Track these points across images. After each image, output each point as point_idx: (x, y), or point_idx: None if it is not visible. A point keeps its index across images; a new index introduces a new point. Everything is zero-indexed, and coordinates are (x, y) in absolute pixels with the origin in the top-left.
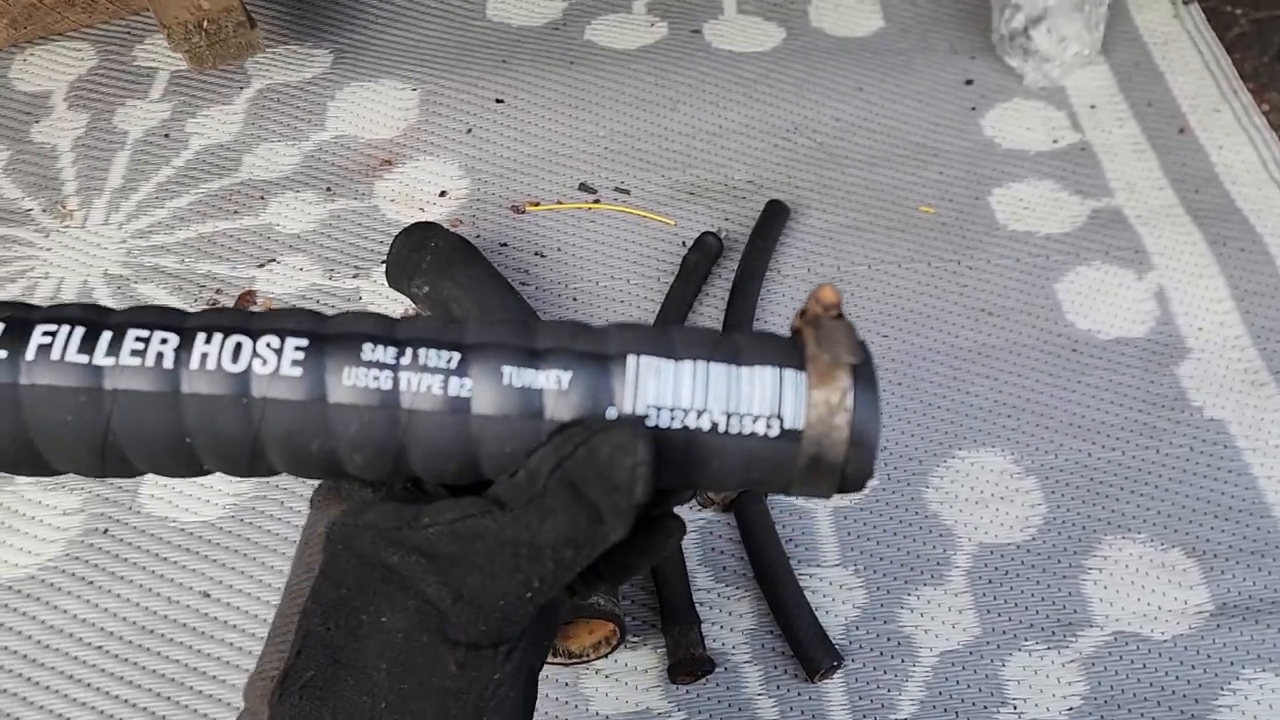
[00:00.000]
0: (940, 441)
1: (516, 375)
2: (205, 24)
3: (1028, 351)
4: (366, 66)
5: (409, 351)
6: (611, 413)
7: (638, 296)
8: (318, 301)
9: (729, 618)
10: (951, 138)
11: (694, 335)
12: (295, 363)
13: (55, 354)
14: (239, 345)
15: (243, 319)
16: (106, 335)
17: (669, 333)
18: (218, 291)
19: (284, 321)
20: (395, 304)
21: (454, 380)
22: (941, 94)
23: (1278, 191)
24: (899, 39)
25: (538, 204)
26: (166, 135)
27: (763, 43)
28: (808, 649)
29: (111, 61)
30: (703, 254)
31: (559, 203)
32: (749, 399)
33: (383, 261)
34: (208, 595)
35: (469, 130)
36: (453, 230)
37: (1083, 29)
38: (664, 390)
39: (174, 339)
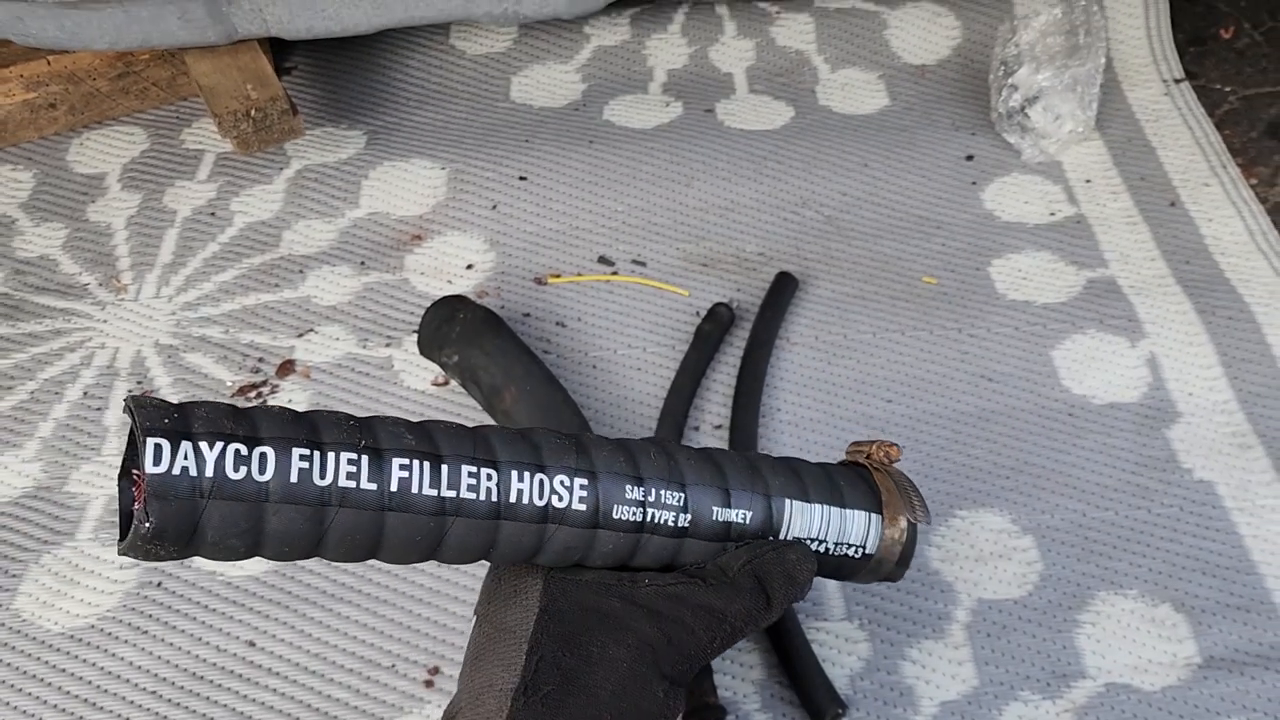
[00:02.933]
0: (942, 502)
1: (720, 513)
2: (253, 112)
3: (1025, 416)
4: (398, 147)
5: (653, 491)
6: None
7: (653, 364)
8: (353, 370)
9: (740, 669)
10: (953, 211)
11: (817, 478)
12: (581, 500)
13: (413, 487)
14: (541, 482)
15: (535, 455)
16: (444, 469)
17: (802, 477)
18: (260, 360)
19: (566, 459)
20: (426, 371)
21: (681, 516)
22: (943, 169)
23: (1264, 262)
24: (903, 116)
25: (559, 276)
26: (213, 213)
27: (773, 121)
28: (814, 697)
29: (162, 145)
30: (715, 324)
31: (579, 275)
32: (849, 533)
33: (414, 331)
34: (253, 644)
35: (494, 206)
36: (479, 301)
37: (1076, 107)
38: (803, 526)
39: (495, 475)
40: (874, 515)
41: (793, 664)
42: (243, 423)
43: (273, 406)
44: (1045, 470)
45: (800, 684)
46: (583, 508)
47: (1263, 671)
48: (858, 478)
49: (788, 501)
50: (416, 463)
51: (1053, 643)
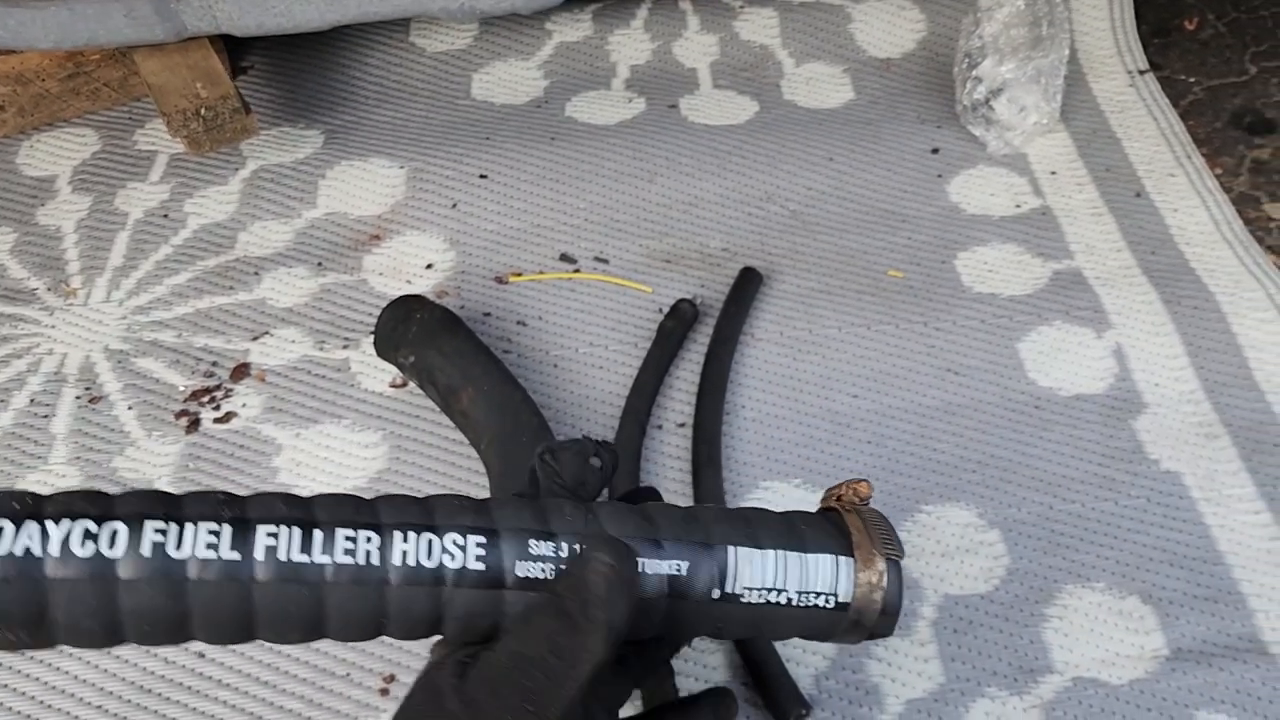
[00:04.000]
0: (907, 497)
1: (649, 565)
2: (203, 111)
3: (992, 409)
4: (356, 146)
5: (564, 545)
6: (715, 593)
7: (616, 362)
8: (309, 372)
9: (703, 670)
10: (919, 204)
11: (771, 523)
12: (478, 558)
13: (281, 554)
14: (430, 542)
15: (425, 515)
16: (317, 534)
17: (754, 523)
18: (214, 364)
19: (461, 518)
20: (384, 373)
21: None
22: (909, 162)
23: (1229, 252)
24: (868, 110)
25: (520, 274)
26: (165, 215)
27: (737, 116)
28: (778, 698)
29: (114, 146)
30: (679, 320)
31: (540, 273)
32: (814, 580)
33: (371, 333)
34: (202, 655)
35: (454, 205)
36: (439, 301)
37: (1041, 99)
38: (755, 575)
39: (376, 537)
40: (843, 559)
41: (756, 665)
42: (98, 502)
43: (145, 489)
44: (1012, 463)
45: (764, 685)
46: (480, 566)
47: (1230, 662)
48: (824, 520)
49: (731, 550)
50: (286, 529)
51: (1019, 638)
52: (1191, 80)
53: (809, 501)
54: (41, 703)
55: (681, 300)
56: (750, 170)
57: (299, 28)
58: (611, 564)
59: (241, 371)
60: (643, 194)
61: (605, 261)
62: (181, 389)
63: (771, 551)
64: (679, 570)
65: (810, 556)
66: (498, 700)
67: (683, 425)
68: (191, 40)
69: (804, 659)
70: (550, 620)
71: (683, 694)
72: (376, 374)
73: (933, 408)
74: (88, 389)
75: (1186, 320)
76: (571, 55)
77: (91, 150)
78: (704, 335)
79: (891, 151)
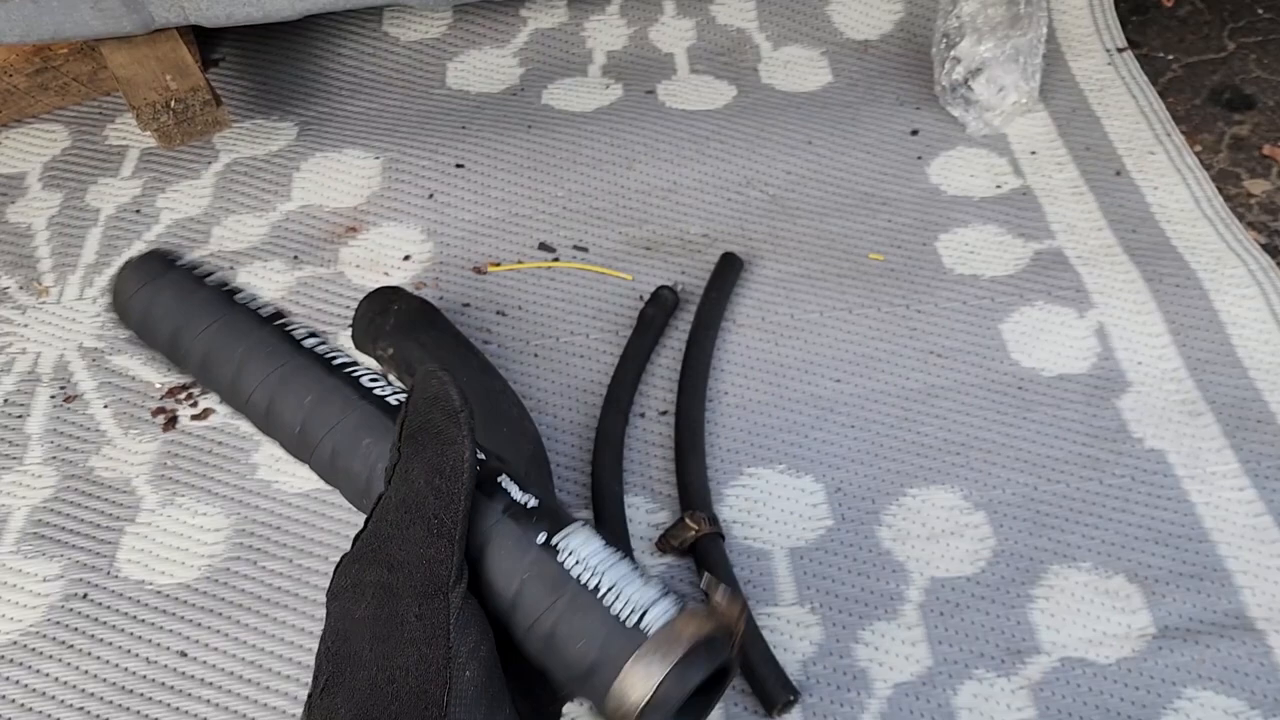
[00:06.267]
0: (892, 481)
1: (505, 482)
2: (173, 104)
3: (975, 391)
4: (330, 137)
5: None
6: (541, 537)
7: (597, 351)
8: None
9: None
10: (899, 186)
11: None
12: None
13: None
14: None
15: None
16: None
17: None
18: None
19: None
20: None
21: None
22: (888, 144)
23: (1210, 229)
24: (846, 93)
25: (499, 264)
26: (138, 211)
27: (714, 101)
28: (765, 685)
29: (84, 142)
30: (659, 307)
31: (519, 262)
32: (633, 595)
33: (349, 326)
34: (184, 654)
35: (431, 195)
36: (416, 292)
37: (1019, 79)
38: (583, 549)
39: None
40: (674, 605)
41: (743, 651)
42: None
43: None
44: (996, 445)
45: (751, 671)
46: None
47: (1217, 640)
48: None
49: (578, 523)
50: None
51: (1006, 619)
52: (1170, 57)
53: (794, 486)
54: (22, 705)
55: (662, 287)
56: (729, 155)
57: (269, 17)
58: (440, 370)
59: None
60: (621, 181)
61: (584, 250)
62: (158, 386)
63: (613, 550)
64: (525, 501)
65: (643, 576)
66: (402, 533)
67: (665, 413)
68: (160, 32)
69: (791, 645)
70: (420, 447)
71: None
72: None
73: (916, 390)
74: (62, 388)
75: (1168, 298)
76: (547, 42)
77: (61, 146)
78: (685, 322)
79: (871, 134)
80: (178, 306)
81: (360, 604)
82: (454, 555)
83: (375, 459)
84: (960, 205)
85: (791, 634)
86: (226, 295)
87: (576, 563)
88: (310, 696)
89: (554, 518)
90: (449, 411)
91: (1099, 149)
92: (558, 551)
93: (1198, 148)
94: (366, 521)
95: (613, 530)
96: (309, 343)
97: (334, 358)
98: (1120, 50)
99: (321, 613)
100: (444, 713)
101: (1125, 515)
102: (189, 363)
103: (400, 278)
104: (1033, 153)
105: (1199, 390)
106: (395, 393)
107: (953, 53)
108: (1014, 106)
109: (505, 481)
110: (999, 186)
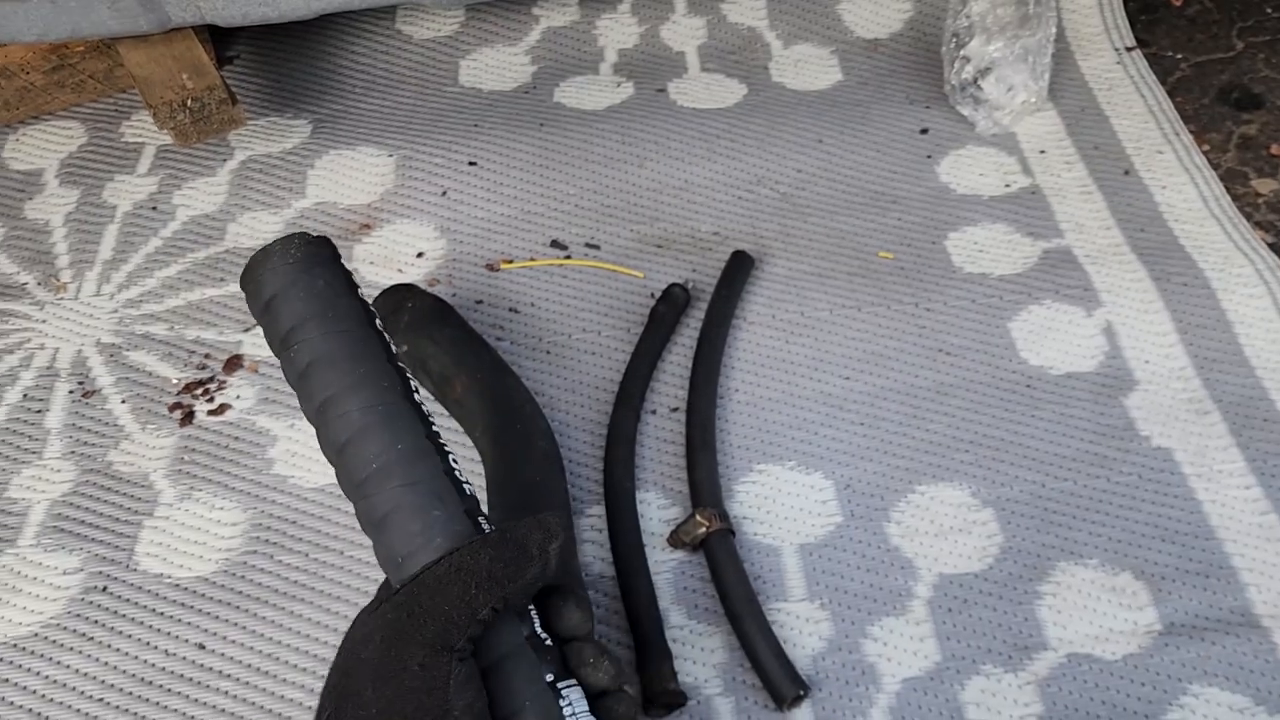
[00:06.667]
0: (900, 478)
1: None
2: (189, 102)
3: (983, 389)
4: (344, 135)
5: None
6: (550, 677)
7: (608, 348)
8: None
9: (701, 653)
10: (908, 185)
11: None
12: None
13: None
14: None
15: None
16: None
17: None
18: (206, 356)
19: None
20: None
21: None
22: (898, 143)
23: (1218, 228)
24: (856, 91)
25: (511, 261)
26: (154, 208)
27: (725, 99)
28: (775, 680)
29: (100, 139)
30: (670, 305)
31: (532, 260)
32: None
33: None
34: (203, 647)
35: (444, 193)
36: (430, 290)
37: (1029, 78)
38: (580, 704)
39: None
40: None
41: (754, 646)
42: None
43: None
44: (1004, 442)
45: (762, 666)
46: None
47: (1223, 636)
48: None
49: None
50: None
51: (1014, 615)
52: (1179, 57)
53: (804, 482)
54: (42, 696)
55: (673, 285)
56: (740, 153)
57: (284, 17)
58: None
59: (234, 363)
60: (633, 179)
61: (596, 247)
62: (175, 381)
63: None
64: (544, 637)
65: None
66: (443, 587)
67: (676, 410)
68: (176, 31)
69: (801, 640)
70: (501, 545)
71: (683, 677)
72: None
73: (924, 388)
74: (80, 383)
75: (1176, 297)
76: (559, 40)
77: (78, 143)
78: (696, 319)
79: (880, 132)
80: (320, 298)
81: (368, 646)
82: (471, 624)
83: (419, 547)
84: (969, 204)
85: (801, 629)
86: (368, 314)
87: (573, 715)
88: None
89: (561, 663)
90: (545, 535)
91: (1107, 148)
92: (560, 695)
93: (1206, 147)
94: (401, 583)
95: (625, 525)
96: (417, 397)
97: (433, 422)
98: (1129, 49)
99: (337, 606)
100: None
101: (1132, 513)
102: (297, 355)
103: (414, 275)
104: (1041, 152)
105: (1206, 389)
106: (468, 482)
107: (962, 52)
108: (1023, 105)
109: (534, 611)
110: (1008, 185)
